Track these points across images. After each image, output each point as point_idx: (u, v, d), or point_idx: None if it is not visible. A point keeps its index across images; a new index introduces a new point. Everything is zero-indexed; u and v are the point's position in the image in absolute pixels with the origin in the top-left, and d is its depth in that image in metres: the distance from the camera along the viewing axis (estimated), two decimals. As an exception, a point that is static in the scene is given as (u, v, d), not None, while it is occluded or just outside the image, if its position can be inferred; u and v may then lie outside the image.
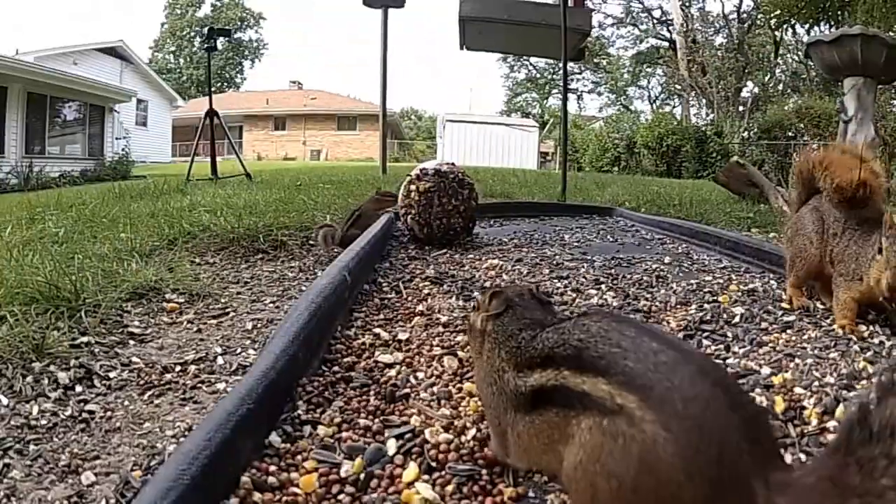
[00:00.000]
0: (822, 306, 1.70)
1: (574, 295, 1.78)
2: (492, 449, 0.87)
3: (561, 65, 5.27)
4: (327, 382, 1.09)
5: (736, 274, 2.13)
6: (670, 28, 26.15)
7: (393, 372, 1.20)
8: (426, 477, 0.85)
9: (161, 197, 4.13)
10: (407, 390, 1.09)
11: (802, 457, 0.91)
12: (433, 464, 0.87)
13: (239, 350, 1.39)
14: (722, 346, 1.34)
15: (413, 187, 2.64)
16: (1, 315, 1.39)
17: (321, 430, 0.94)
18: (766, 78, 24.83)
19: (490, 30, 6.58)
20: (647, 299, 1.73)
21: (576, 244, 2.88)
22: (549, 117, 29.09)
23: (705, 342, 1.38)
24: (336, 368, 1.19)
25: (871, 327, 1.44)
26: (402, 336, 1.41)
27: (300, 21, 76.79)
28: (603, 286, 1.89)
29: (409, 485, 0.83)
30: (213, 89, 7.74)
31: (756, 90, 24.69)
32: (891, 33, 6.42)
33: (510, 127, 22.82)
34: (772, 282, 2.02)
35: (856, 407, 0.59)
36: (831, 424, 0.96)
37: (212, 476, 0.74)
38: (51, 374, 1.21)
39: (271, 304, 1.74)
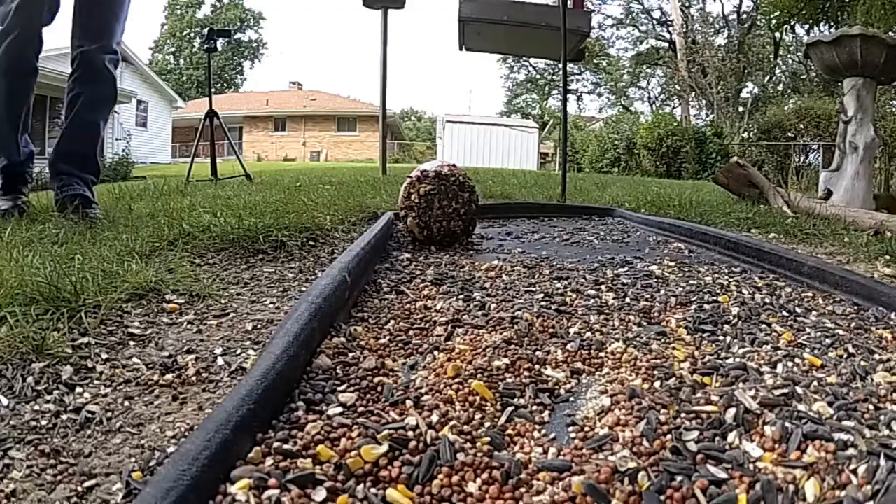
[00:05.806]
0: (821, 303, 1.70)
1: (574, 295, 1.77)
2: None
3: (561, 66, 5.27)
4: (328, 384, 1.09)
5: (736, 274, 2.14)
6: (670, 29, 26.20)
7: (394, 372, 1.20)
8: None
9: (161, 198, 4.13)
10: (406, 392, 1.09)
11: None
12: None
13: (239, 351, 1.39)
14: (722, 346, 1.34)
15: (413, 189, 2.64)
16: (1, 315, 1.39)
17: (321, 431, 0.94)
18: (766, 79, 24.87)
19: (489, 31, 6.58)
20: (647, 300, 1.73)
21: (576, 245, 2.88)
22: (549, 118, 29.10)
23: (705, 342, 1.38)
24: (337, 370, 1.19)
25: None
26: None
27: (300, 21, 76.83)
28: (603, 286, 1.89)
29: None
30: (212, 90, 7.74)
31: (756, 91, 24.73)
32: (891, 33, 6.42)
33: (510, 128, 22.84)
34: (772, 282, 2.02)
35: None
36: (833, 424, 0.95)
37: (212, 477, 0.74)
38: (51, 375, 1.21)
39: (271, 305, 1.74)
